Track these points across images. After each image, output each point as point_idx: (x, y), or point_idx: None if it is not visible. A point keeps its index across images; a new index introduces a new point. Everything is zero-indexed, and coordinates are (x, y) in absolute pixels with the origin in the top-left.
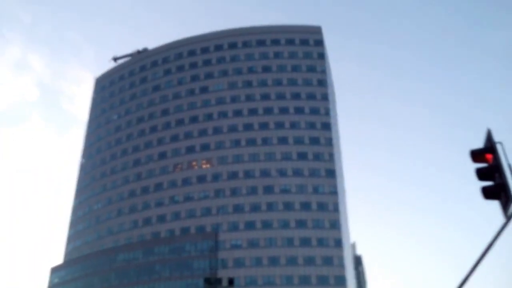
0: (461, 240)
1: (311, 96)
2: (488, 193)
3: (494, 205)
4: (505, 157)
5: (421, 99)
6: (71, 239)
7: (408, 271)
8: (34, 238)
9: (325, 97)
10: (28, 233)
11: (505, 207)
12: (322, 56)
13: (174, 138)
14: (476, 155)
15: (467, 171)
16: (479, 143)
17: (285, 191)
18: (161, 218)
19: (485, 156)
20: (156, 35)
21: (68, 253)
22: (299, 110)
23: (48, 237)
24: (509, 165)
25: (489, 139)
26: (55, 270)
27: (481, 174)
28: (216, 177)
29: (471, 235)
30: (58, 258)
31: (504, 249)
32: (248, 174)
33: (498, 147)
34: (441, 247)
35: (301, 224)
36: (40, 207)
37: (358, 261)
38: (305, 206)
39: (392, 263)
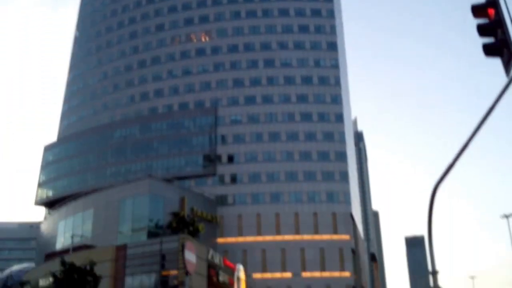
0: (463, 112)
1: None
2: (489, 50)
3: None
4: (508, 12)
5: None
6: (65, 115)
7: (409, 148)
8: (27, 115)
9: None
10: (21, 111)
11: (507, 65)
12: None
13: (172, 9)
14: (477, 9)
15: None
16: None
17: (286, 64)
18: (159, 93)
19: (487, 11)
20: None
21: (62, 130)
22: None
23: (42, 114)
24: None
25: None
26: (49, 148)
27: (483, 30)
28: (215, 50)
29: (472, 104)
30: (52, 136)
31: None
32: (248, 47)
33: (501, 1)
34: (443, 123)
35: (302, 98)
36: (33, 83)
37: (359, 137)
38: (306, 80)
39: (393, 140)
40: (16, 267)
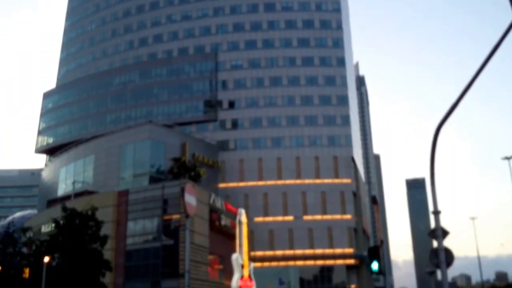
0: (466, 57)
1: None
2: None
3: None
4: None
5: None
6: (63, 62)
7: (410, 92)
8: (25, 63)
9: None
10: (19, 58)
11: None
12: None
13: None
14: None
15: None
16: None
17: (287, 8)
18: (158, 38)
19: None
20: None
21: (61, 77)
22: None
23: (40, 62)
24: None
25: None
26: (47, 95)
27: None
28: None
29: (474, 51)
30: (50, 83)
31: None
32: None
33: None
34: (446, 68)
35: (303, 42)
36: (31, 30)
37: (361, 81)
38: (308, 24)
39: (395, 84)
40: (18, 214)
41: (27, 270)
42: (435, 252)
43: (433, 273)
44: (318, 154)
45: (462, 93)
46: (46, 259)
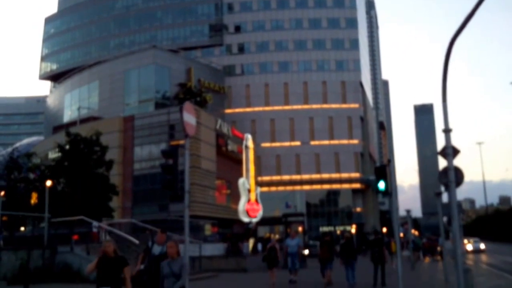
0: None
1: None
2: None
3: None
4: None
5: None
6: None
7: (420, 17)
8: None
9: None
10: None
11: None
12: None
13: None
14: None
15: None
16: None
17: None
18: None
19: None
20: None
21: (62, 1)
22: None
23: None
24: None
25: None
26: (49, 20)
27: None
28: None
29: None
30: (52, 7)
31: None
32: None
33: None
34: None
35: None
36: None
37: (370, 4)
38: None
39: (405, 9)
40: (24, 141)
41: (34, 196)
42: (444, 172)
43: (440, 194)
44: (325, 79)
45: (475, 7)
46: (49, 183)
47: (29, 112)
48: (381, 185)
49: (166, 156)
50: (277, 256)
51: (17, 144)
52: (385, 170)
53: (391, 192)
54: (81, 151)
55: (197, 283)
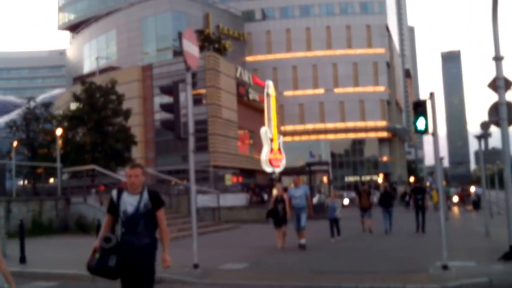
0: None
1: None
2: None
3: None
4: None
5: None
6: None
7: None
8: None
9: None
10: None
11: None
12: None
13: None
14: None
15: None
16: None
17: None
18: None
19: None
20: None
21: None
22: None
23: None
24: None
25: None
26: None
27: None
28: None
29: None
30: None
31: None
32: None
33: None
34: None
35: None
36: None
37: None
38: None
39: None
40: (47, 94)
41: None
42: (495, 107)
43: (482, 138)
44: (349, 23)
45: None
46: (59, 131)
47: (53, 65)
48: (421, 123)
49: (165, 93)
50: (286, 212)
51: (41, 97)
52: (425, 105)
53: (434, 132)
54: (97, 100)
55: (217, 234)
